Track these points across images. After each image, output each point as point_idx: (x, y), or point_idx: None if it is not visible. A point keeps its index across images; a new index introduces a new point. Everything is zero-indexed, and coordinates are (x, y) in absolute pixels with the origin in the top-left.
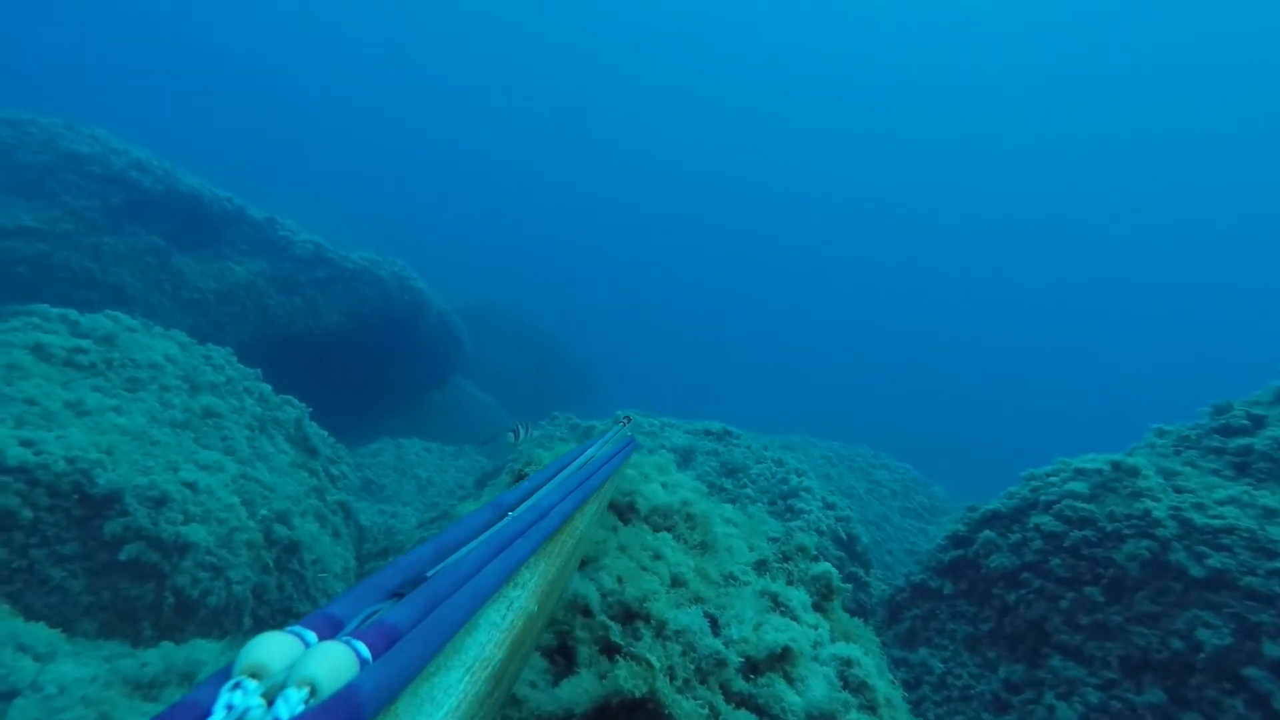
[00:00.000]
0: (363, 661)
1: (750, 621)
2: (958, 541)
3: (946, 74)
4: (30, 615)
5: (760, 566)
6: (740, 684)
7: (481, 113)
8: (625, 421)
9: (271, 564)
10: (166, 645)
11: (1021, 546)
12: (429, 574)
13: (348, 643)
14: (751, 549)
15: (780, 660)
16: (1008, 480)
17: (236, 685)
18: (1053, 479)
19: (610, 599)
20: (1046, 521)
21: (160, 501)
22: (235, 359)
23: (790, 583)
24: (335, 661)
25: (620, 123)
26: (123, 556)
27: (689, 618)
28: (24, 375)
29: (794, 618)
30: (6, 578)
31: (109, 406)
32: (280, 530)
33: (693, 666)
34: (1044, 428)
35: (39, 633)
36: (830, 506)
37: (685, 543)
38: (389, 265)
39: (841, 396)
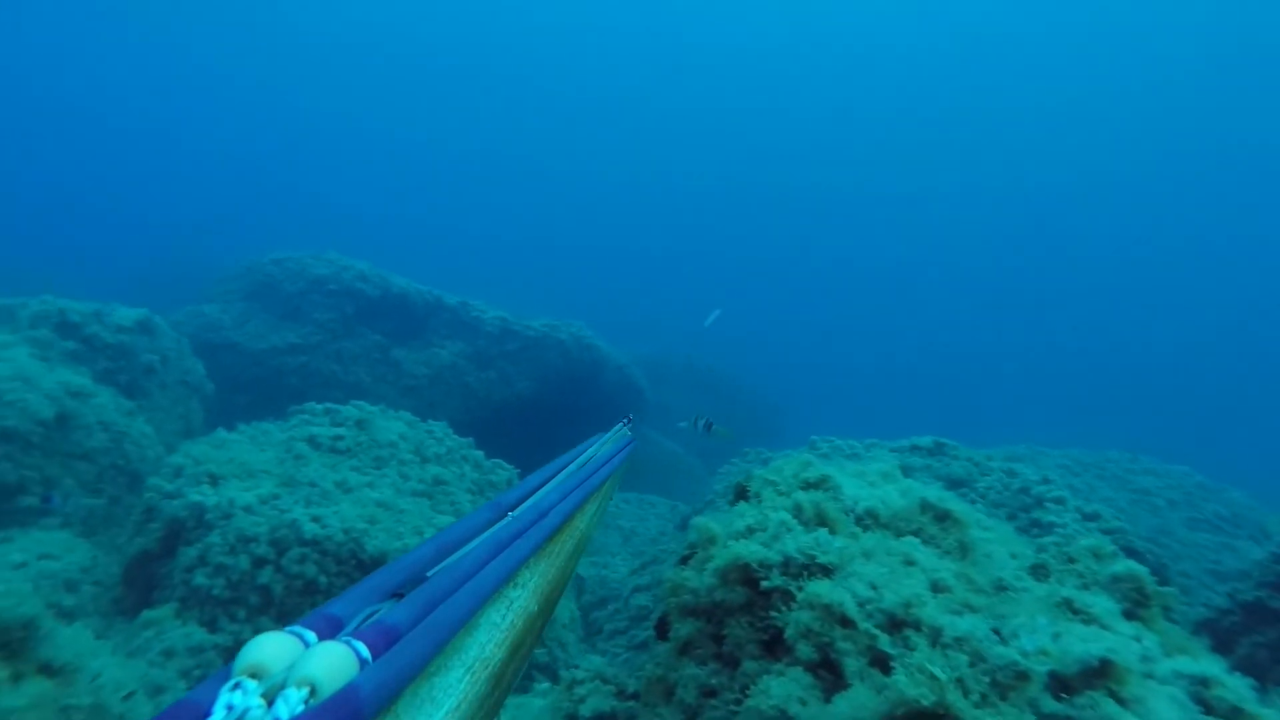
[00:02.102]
0: (363, 661)
1: (1045, 630)
2: None
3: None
4: None
5: (1038, 571)
6: (1051, 703)
7: (641, 173)
8: (628, 421)
9: None
10: None
11: None
12: (429, 574)
13: (348, 643)
14: (1015, 556)
15: (1100, 676)
16: None
17: (236, 685)
18: None
19: (869, 607)
20: None
21: None
22: (451, 431)
23: (1085, 587)
24: (335, 661)
25: (775, 153)
26: None
27: (969, 624)
28: (306, 463)
29: (1103, 627)
30: None
31: (365, 483)
32: None
33: (987, 679)
34: None
35: None
36: (1092, 518)
37: (938, 547)
38: (566, 328)
39: (1058, 401)
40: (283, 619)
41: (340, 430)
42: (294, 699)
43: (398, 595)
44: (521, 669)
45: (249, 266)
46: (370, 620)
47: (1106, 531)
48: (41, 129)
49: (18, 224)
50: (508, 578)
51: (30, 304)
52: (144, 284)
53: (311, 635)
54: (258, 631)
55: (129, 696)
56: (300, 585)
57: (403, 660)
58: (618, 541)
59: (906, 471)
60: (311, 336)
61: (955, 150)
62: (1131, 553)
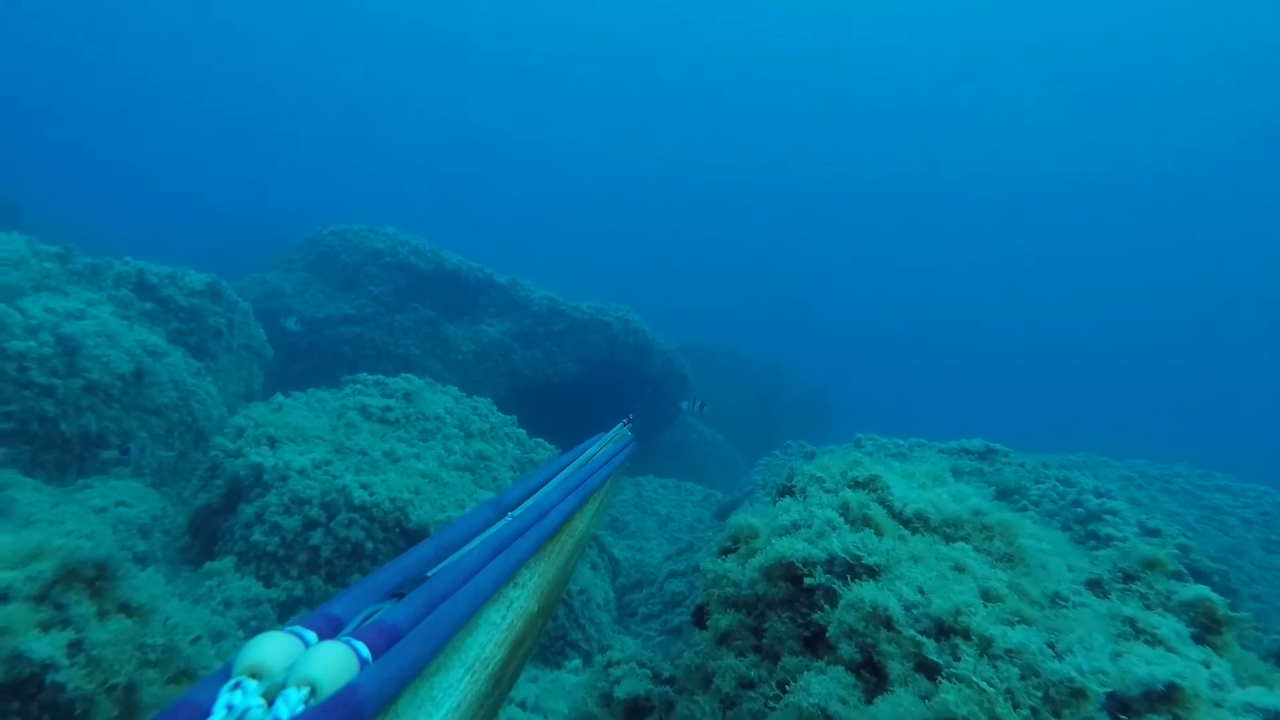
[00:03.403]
0: (363, 661)
1: (1102, 649)
2: None
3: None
4: None
5: (1095, 587)
6: None
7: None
8: (628, 421)
9: None
10: None
11: None
12: (429, 574)
13: (348, 642)
14: (1072, 569)
15: (1166, 701)
16: None
17: (236, 685)
18: None
19: (915, 611)
20: None
21: None
22: (495, 408)
23: (1148, 606)
24: (335, 661)
25: (822, 146)
26: None
27: (1022, 635)
28: (356, 431)
29: (1169, 650)
30: None
31: (411, 454)
32: None
33: (1039, 694)
34: None
35: None
36: (1153, 533)
37: (988, 555)
38: (614, 311)
39: (1123, 409)
40: (330, 580)
41: (390, 402)
42: (294, 699)
43: (398, 595)
44: (522, 668)
45: (310, 237)
46: (370, 620)
47: (1175, 549)
48: (145, 117)
49: (105, 191)
50: (508, 578)
51: (115, 265)
52: (211, 252)
53: (312, 635)
54: (309, 590)
55: (196, 640)
56: (348, 549)
57: (403, 660)
58: (654, 526)
59: (956, 475)
60: (366, 308)
61: (1017, 142)
62: (1197, 573)
